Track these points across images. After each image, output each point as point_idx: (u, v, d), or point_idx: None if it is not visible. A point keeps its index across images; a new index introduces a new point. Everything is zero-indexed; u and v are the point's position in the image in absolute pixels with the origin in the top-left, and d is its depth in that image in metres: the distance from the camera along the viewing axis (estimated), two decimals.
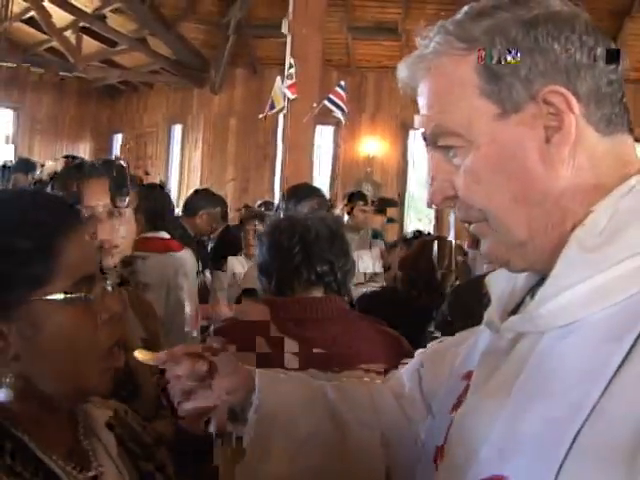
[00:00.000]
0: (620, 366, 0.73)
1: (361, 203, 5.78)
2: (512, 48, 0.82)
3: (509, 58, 0.82)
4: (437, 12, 9.77)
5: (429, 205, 0.93)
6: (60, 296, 0.92)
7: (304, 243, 1.77)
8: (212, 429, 1.13)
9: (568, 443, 0.73)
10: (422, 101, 0.90)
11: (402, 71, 0.92)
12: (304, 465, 1.14)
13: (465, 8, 0.87)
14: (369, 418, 1.20)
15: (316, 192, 3.21)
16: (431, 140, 0.89)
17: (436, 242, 3.72)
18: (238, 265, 4.66)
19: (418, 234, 5.27)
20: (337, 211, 5.65)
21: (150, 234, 3.40)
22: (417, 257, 3.64)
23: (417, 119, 0.91)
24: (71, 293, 0.93)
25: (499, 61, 0.82)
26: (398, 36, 10.23)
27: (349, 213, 5.69)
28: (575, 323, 0.80)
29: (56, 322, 0.92)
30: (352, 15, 10.06)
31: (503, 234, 0.86)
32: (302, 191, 3.20)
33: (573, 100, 0.81)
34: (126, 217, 1.80)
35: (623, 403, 0.71)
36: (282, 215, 1.89)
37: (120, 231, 1.79)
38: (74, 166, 1.83)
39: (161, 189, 4.11)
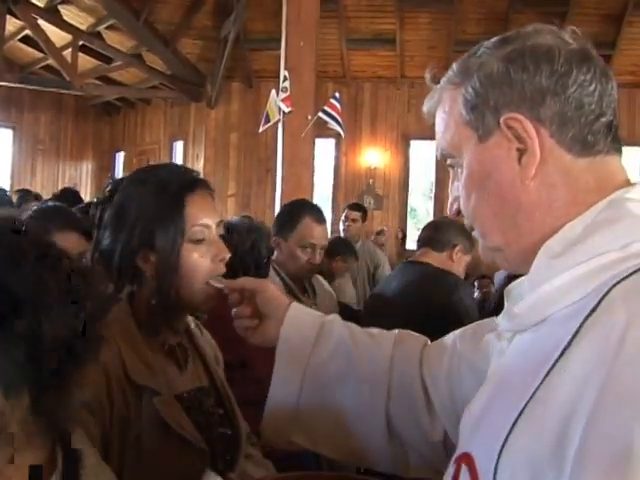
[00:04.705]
0: (559, 357, 0.81)
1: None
2: (484, 82, 0.94)
3: (481, 91, 0.94)
4: (431, 22, 9.80)
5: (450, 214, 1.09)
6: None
7: None
8: None
9: (510, 424, 0.82)
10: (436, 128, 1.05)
11: (425, 106, 1.07)
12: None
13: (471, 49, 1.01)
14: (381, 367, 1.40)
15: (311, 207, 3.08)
16: (442, 160, 1.05)
17: None
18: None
19: None
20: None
21: None
22: None
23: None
24: None
25: (475, 94, 0.95)
26: (393, 46, 10.25)
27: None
28: (544, 321, 0.88)
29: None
30: (346, 26, 10.08)
31: (485, 240, 1.00)
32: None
33: (529, 125, 0.91)
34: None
35: (558, 391, 0.78)
36: None
37: None
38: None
39: None
